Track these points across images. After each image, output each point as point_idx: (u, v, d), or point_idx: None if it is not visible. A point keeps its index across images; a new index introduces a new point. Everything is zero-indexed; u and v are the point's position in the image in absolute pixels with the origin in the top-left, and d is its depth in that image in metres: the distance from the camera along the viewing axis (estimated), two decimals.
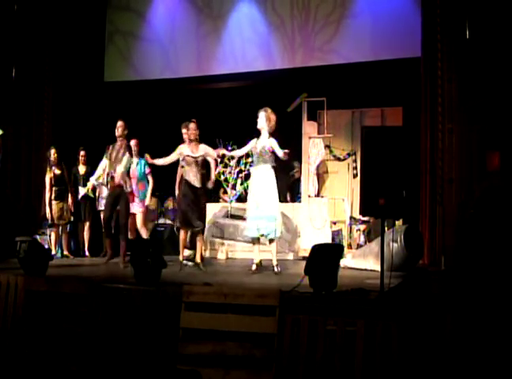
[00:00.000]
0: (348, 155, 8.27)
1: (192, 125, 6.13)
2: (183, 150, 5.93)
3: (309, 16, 7.95)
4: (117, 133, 6.10)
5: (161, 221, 8.78)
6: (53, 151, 6.82)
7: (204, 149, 6.09)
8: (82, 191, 7.13)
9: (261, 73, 8.18)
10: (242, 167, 7.88)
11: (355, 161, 8.20)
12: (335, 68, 7.78)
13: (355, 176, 8.24)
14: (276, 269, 5.56)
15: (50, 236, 6.86)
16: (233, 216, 7.23)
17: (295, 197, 8.48)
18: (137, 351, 3.75)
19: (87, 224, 7.23)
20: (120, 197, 5.91)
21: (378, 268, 4.54)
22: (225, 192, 8.45)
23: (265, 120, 5.57)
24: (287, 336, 3.48)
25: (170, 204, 9.16)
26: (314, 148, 7.65)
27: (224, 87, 8.75)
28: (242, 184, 7.85)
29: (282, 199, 8.61)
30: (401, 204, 3.88)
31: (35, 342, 3.87)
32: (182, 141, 6.29)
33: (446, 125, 6.12)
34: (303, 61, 7.98)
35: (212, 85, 8.74)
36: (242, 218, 7.28)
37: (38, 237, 6.55)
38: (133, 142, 6.68)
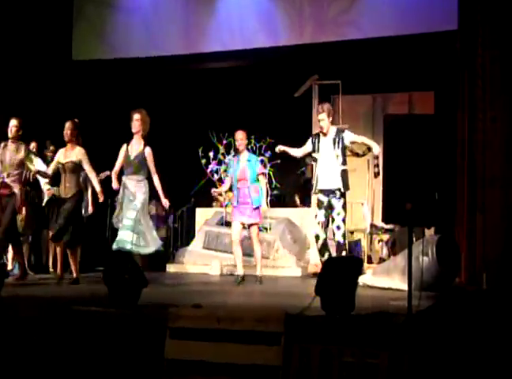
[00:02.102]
0: (369, 149, 8.15)
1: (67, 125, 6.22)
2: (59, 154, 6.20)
3: None
4: (10, 134, 6.15)
5: None
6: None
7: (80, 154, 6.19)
8: (46, 191, 6.98)
9: (262, 50, 8.19)
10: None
11: (376, 157, 8.22)
12: (352, 44, 7.76)
13: (376, 175, 8.12)
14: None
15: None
16: (229, 224, 7.28)
17: (306, 200, 8.60)
18: None
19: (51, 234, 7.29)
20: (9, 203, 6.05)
21: (404, 286, 4.49)
22: (220, 194, 8.60)
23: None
24: (294, 370, 3.48)
25: (152, 209, 9.21)
26: None
27: (218, 67, 8.81)
28: None
29: (289, 203, 8.94)
30: (433, 209, 3.88)
31: None
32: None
33: (488, 112, 5.97)
34: (312, 36, 7.97)
35: (203, 65, 8.80)
36: (243, 226, 7.31)
37: None
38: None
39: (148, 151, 6.13)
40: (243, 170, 6.30)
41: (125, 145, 6.20)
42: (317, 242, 5.96)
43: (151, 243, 6.11)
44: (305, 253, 8.00)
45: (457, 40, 6.46)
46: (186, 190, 9.09)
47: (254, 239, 6.38)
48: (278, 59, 8.29)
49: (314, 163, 6.10)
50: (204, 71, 8.96)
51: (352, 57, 8.01)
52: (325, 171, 5.94)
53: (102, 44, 8.68)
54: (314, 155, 6.02)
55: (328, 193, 5.86)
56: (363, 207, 7.99)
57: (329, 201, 5.85)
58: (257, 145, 8.10)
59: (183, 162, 9.52)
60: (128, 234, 5.97)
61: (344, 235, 5.91)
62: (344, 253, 5.91)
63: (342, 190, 5.86)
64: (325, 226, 5.90)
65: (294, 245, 7.92)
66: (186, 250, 8.37)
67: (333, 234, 5.93)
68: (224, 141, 8.19)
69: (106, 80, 8.91)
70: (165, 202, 6.15)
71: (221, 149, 8.22)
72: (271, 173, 8.17)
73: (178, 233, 9.26)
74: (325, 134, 6.00)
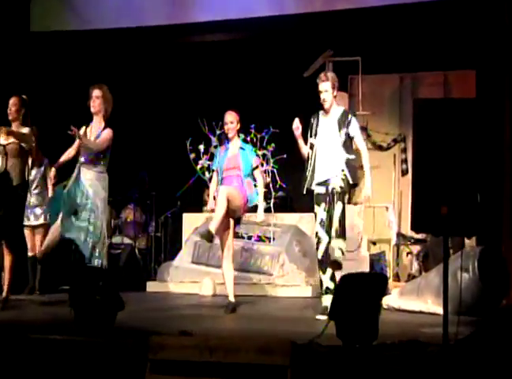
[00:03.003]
0: (395, 141, 8.40)
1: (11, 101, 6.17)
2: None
3: None
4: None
5: (117, 240, 8.95)
6: None
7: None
8: None
9: (263, 20, 8.15)
10: None
11: (404, 150, 8.43)
12: (374, 12, 7.68)
13: (404, 173, 8.38)
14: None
15: None
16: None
17: None
18: None
19: None
20: None
21: (439, 309, 4.56)
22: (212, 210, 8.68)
23: None
24: None
25: (129, 214, 9.25)
26: None
27: (209, 41, 8.81)
28: None
29: (297, 207, 8.94)
30: (474, 214, 3.84)
31: None
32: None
33: None
34: (325, 2, 7.95)
35: (191, 39, 8.81)
36: (238, 235, 7.42)
37: None
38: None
39: (107, 131, 6.03)
40: (234, 157, 6.17)
41: (83, 128, 6.18)
42: (317, 247, 5.63)
43: (103, 255, 6.01)
44: (316, 269, 7.96)
45: (503, 7, 6.49)
46: (170, 191, 9.11)
47: (228, 237, 6.02)
48: (283, 31, 8.26)
49: (310, 151, 5.68)
50: (192, 45, 8.96)
51: (374, 28, 7.95)
52: (325, 160, 5.63)
53: (67, 13, 8.71)
54: (310, 140, 5.71)
55: (327, 185, 5.60)
56: (388, 212, 8.02)
57: (327, 195, 5.58)
58: (258, 136, 8.06)
59: (167, 156, 9.55)
60: (86, 244, 5.90)
61: (344, 239, 5.63)
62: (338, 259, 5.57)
63: (342, 184, 5.49)
64: (329, 226, 5.56)
65: (303, 259, 7.92)
66: (170, 265, 8.37)
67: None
68: (218, 132, 8.14)
69: (71, 55, 8.95)
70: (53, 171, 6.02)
71: (214, 141, 8.20)
72: (275, 170, 8.13)
73: (160, 244, 9.28)
74: (326, 112, 5.73)
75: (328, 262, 5.57)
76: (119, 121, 6.37)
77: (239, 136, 6.46)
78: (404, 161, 8.27)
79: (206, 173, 8.20)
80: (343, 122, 5.67)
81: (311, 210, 8.52)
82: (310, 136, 5.77)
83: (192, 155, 8.21)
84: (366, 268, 7.47)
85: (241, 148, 6.24)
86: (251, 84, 9.31)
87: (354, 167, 5.63)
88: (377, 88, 8.74)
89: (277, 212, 8.29)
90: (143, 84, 9.58)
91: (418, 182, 4.19)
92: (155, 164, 9.55)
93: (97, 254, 5.93)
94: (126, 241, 8.89)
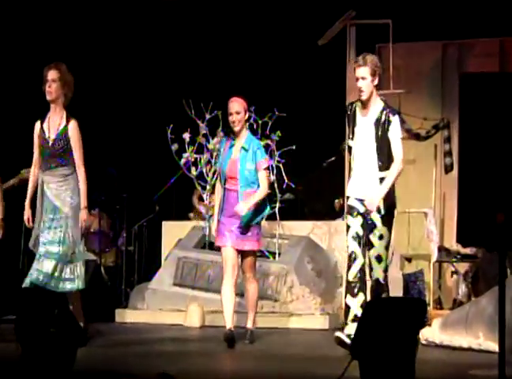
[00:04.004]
0: (436, 128, 8.32)
1: None
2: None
3: None
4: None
5: None
6: None
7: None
8: None
9: None
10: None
11: (448, 140, 8.25)
12: None
13: (448, 169, 8.26)
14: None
15: None
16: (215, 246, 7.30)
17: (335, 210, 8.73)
18: None
19: None
20: None
21: (494, 346, 4.67)
22: (201, 199, 8.53)
23: None
24: None
25: (93, 222, 9.23)
26: None
27: None
28: None
29: (310, 213, 8.80)
30: None
31: None
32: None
33: None
34: None
35: None
36: None
37: None
38: None
39: (73, 126, 6.18)
40: (234, 163, 6.35)
41: (38, 123, 6.25)
42: (349, 265, 5.77)
43: (79, 277, 6.14)
44: (335, 293, 7.96)
45: None
46: (146, 193, 9.13)
47: (248, 274, 6.42)
48: None
49: (350, 156, 5.93)
50: (175, 3, 8.97)
51: None
52: (361, 173, 5.89)
53: None
54: (348, 142, 5.97)
55: (363, 202, 5.86)
56: (427, 219, 7.94)
57: (367, 214, 5.83)
58: (260, 122, 8.02)
59: (141, 148, 9.56)
60: (50, 265, 6.03)
61: (386, 270, 5.86)
62: (384, 294, 5.84)
63: (383, 211, 5.78)
64: (364, 244, 5.79)
65: (317, 281, 7.88)
66: (146, 289, 8.34)
67: (370, 269, 5.88)
68: (208, 116, 8.13)
69: (16, 23, 8.94)
70: (82, 215, 6.18)
71: (202, 128, 8.17)
72: (281, 166, 8.09)
73: (133, 260, 9.27)
74: (364, 106, 5.87)
75: (372, 293, 5.76)
76: (80, 104, 6.38)
77: (247, 128, 6.58)
78: (448, 154, 8.16)
79: (193, 169, 8.17)
80: (381, 124, 5.79)
81: (328, 216, 8.58)
82: (349, 137, 5.95)
83: (174, 147, 8.19)
84: (399, 292, 7.44)
85: (243, 149, 6.32)
86: (251, 55, 9.31)
87: (390, 190, 5.79)
88: (413, 60, 8.68)
89: (284, 219, 8.27)
90: (110, 56, 9.56)
91: (466, 181, 4.25)
92: (126, 158, 9.57)
93: (67, 276, 6.08)
94: (89, 257, 8.64)
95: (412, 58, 8.68)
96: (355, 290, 5.72)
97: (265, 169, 6.37)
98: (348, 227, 5.82)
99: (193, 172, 8.18)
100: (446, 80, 8.69)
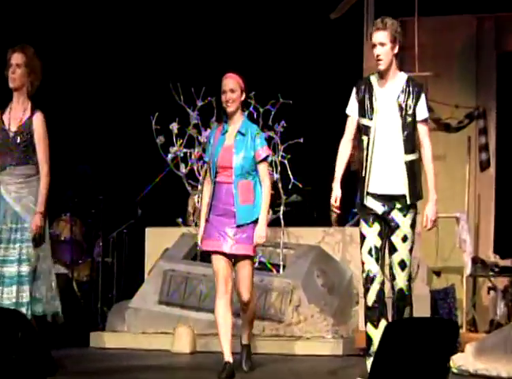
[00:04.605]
0: (470, 118, 8.36)
1: None
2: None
3: None
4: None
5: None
6: None
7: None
8: None
9: None
10: None
11: (484, 132, 8.32)
12: None
13: (484, 166, 8.32)
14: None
15: None
16: (207, 257, 7.17)
17: (349, 214, 8.60)
18: None
19: None
20: None
21: None
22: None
23: None
24: None
25: (63, 229, 9.24)
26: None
27: None
28: None
29: (320, 217, 8.78)
30: None
31: None
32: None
33: None
34: None
35: None
36: None
37: None
38: None
39: (38, 118, 6.25)
40: (227, 149, 6.33)
41: None
42: (366, 287, 5.75)
43: (48, 298, 6.21)
44: (350, 312, 8.00)
45: None
46: (126, 195, 9.17)
47: (242, 289, 6.33)
48: None
49: (365, 139, 5.79)
50: None
51: None
52: (383, 159, 5.84)
53: None
54: (363, 121, 5.85)
55: (385, 200, 5.85)
56: (460, 225, 7.93)
57: (387, 214, 5.82)
58: (261, 110, 8.02)
59: (121, 141, 9.59)
60: (9, 290, 6.09)
61: (410, 278, 5.85)
62: (407, 313, 5.79)
63: (408, 200, 5.80)
64: (382, 256, 5.79)
65: (329, 298, 7.89)
66: (127, 308, 8.35)
67: (391, 278, 5.88)
68: (200, 102, 8.12)
69: None
70: (36, 221, 6.16)
71: (193, 117, 8.17)
72: (286, 162, 8.09)
73: (112, 274, 9.30)
74: (382, 77, 5.84)
75: (394, 307, 5.76)
76: (48, 91, 6.49)
77: (243, 111, 6.52)
78: (484, 148, 8.21)
79: (182, 166, 8.16)
80: (407, 97, 5.78)
81: (343, 222, 8.55)
82: (363, 116, 5.85)
83: (160, 139, 8.18)
84: (425, 312, 7.42)
85: (239, 133, 6.31)
86: (251, 31, 9.35)
87: (416, 175, 5.82)
88: (442, 37, 8.69)
89: (290, 225, 8.28)
90: (84, 35, 9.60)
91: (504, 180, 4.35)
92: (102, 154, 9.62)
93: (28, 300, 6.12)
94: (59, 270, 8.76)
95: (442, 35, 8.71)
96: (376, 318, 5.70)
97: (265, 160, 6.33)
98: (363, 237, 5.79)
99: (183, 169, 8.18)
100: (481, 61, 8.72)
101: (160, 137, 8.17)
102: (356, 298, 7.91)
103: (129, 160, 9.39)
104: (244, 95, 6.39)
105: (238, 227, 6.21)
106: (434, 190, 5.77)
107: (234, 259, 6.27)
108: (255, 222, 6.25)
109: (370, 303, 5.69)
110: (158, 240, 8.64)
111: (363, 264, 5.75)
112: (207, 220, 6.29)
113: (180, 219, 8.48)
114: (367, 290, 5.72)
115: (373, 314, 5.70)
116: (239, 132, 6.29)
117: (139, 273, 8.87)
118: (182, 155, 8.17)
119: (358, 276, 7.55)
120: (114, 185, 9.41)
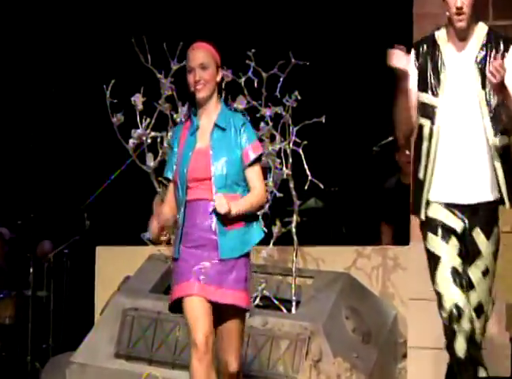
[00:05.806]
0: None
1: None
2: None
3: None
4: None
5: None
6: None
7: None
8: None
9: None
10: None
11: None
12: None
13: None
14: None
15: None
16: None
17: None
18: None
19: None
20: None
21: None
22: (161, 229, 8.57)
23: None
24: None
25: None
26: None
27: None
28: None
29: (347, 231, 8.61)
30: None
31: None
32: None
33: None
34: None
35: None
36: None
37: None
38: None
39: None
40: (201, 153, 6.18)
41: None
42: (453, 330, 5.72)
43: None
44: (394, 369, 7.92)
45: None
46: (68, 200, 9.18)
47: (229, 351, 6.11)
48: None
49: (425, 124, 5.93)
50: None
51: None
52: (455, 151, 5.95)
53: None
54: (424, 98, 5.97)
55: (463, 212, 5.93)
56: None
57: (469, 234, 5.92)
58: (264, 76, 7.92)
59: (60, 123, 9.54)
60: None
61: (486, 319, 5.95)
62: (482, 372, 5.81)
63: (508, 205, 5.94)
64: (468, 285, 5.83)
65: (364, 349, 7.77)
66: (69, 363, 8.31)
67: None
68: (175, 66, 7.97)
69: None
70: None
71: (166, 87, 8.04)
72: (301, 151, 7.93)
73: (47, 315, 9.26)
74: (459, 36, 5.91)
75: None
76: None
77: (220, 95, 6.38)
78: None
79: (149, 156, 8.03)
80: (491, 55, 5.85)
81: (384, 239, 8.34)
82: (424, 91, 5.98)
83: (117, 118, 8.07)
84: (505, 365, 7.29)
85: (217, 128, 6.18)
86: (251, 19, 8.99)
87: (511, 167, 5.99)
88: None
89: (306, 243, 8.21)
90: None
91: None
92: (35, 140, 9.66)
93: None
94: None
95: None
96: (472, 373, 5.67)
97: (256, 162, 6.15)
98: (436, 257, 5.76)
99: (150, 162, 8.03)
100: None
101: (117, 115, 8.08)
102: (404, 350, 7.83)
103: (73, 150, 9.33)
104: (221, 74, 6.25)
105: (221, 262, 5.98)
106: None
107: (217, 309, 6.03)
108: (247, 256, 6.08)
109: (461, 355, 5.67)
110: (114, 264, 8.63)
111: (439, 295, 5.68)
112: (176, 259, 6.08)
113: (147, 235, 8.25)
114: (453, 333, 5.68)
115: (463, 370, 5.70)
116: (216, 126, 6.14)
117: (86, 313, 8.84)
118: (149, 141, 8.06)
119: (404, 318, 7.82)
120: (52, 185, 9.52)
